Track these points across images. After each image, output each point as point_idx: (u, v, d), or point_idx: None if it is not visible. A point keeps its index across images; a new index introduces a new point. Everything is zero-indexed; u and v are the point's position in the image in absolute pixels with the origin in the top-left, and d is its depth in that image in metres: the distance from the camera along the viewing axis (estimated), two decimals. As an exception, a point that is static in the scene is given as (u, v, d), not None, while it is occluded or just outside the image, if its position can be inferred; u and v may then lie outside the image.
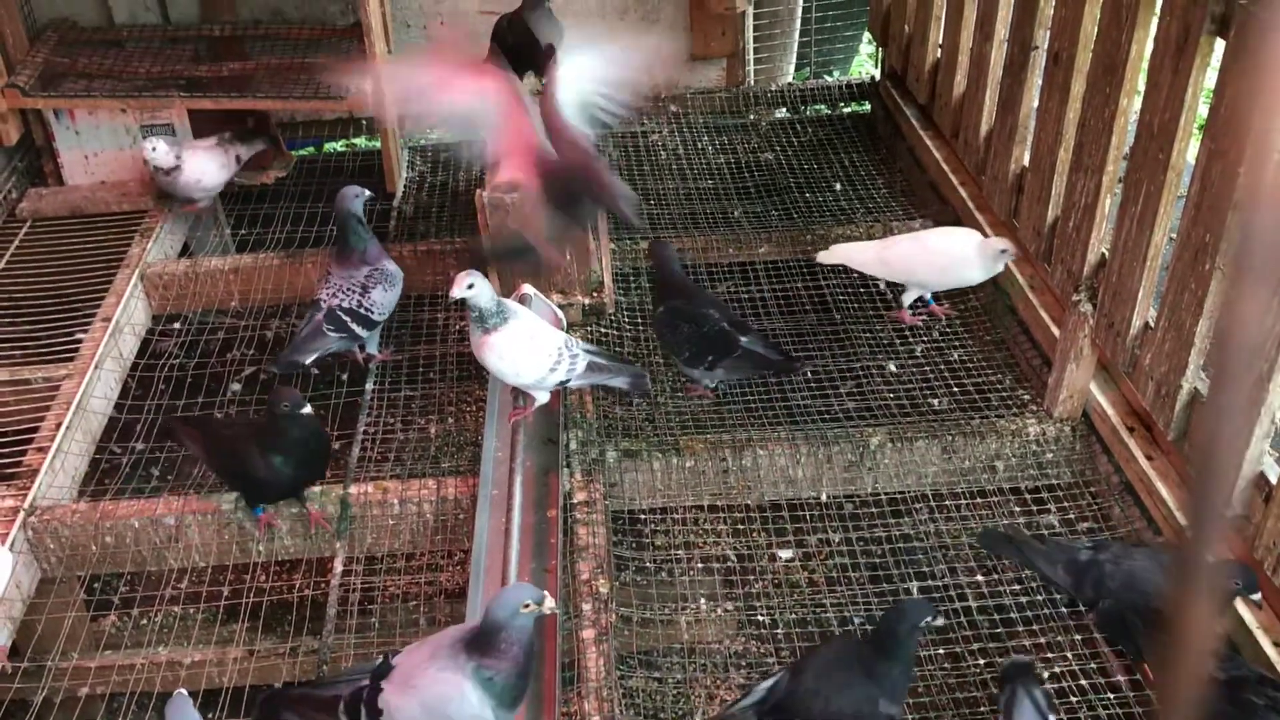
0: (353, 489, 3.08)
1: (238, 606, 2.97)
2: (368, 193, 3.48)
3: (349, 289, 3.42)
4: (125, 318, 3.79)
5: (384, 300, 3.48)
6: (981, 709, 2.60)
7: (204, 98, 4.29)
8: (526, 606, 2.15)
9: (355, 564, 3.01)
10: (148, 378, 3.70)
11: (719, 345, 3.26)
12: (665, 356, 3.69)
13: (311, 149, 5.48)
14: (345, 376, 3.72)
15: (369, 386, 3.57)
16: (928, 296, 3.79)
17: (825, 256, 3.81)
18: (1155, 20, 2.81)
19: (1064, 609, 2.82)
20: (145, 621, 3.10)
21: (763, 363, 3.29)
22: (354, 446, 3.32)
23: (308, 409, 2.85)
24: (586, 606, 2.70)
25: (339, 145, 5.63)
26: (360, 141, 5.61)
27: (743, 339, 3.26)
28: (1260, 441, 2.52)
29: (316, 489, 3.11)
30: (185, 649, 2.87)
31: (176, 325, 4.03)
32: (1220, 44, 2.58)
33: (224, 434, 2.97)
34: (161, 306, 4.06)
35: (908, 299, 3.75)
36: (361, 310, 3.41)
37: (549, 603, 2.19)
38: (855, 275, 3.98)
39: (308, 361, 3.38)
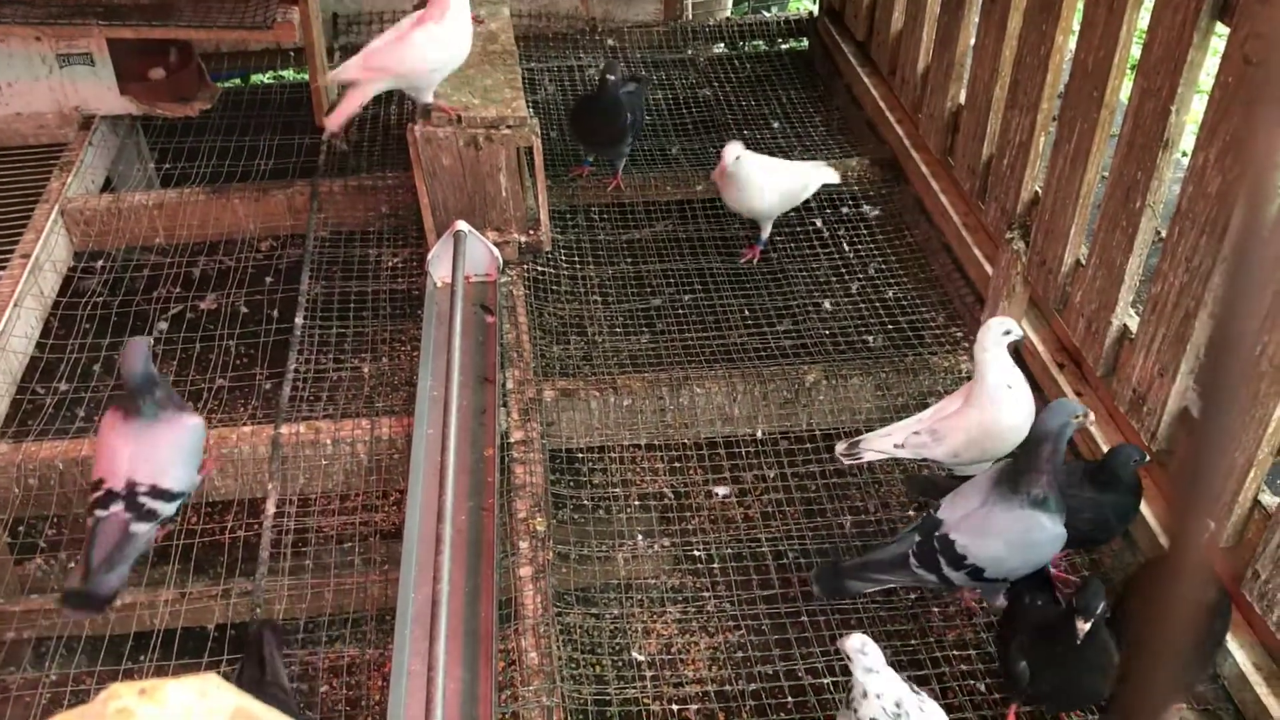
0: (284, 429, 3.04)
1: (168, 548, 2.92)
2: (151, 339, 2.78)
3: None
4: (45, 254, 3.67)
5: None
6: (912, 641, 2.65)
7: (124, 26, 4.12)
8: (1076, 418, 2.38)
9: (288, 505, 2.96)
10: (70, 316, 3.60)
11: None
12: (604, 298, 3.69)
13: (238, 80, 5.32)
14: (275, 314, 3.65)
15: (299, 321, 3.50)
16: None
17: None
18: (1092, -43, 2.81)
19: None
20: (72, 565, 3.04)
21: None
22: (284, 385, 3.26)
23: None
24: (524, 544, 2.70)
25: (266, 77, 5.48)
26: (288, 74, 5.46)
27: None
28: (1186, 377, 2.57)
29: (248, 429, 3.06)
30: (114, 592, 2.82)
31: (100, 262, 3.92)
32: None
33: None
34: (83, 243, 3.94)
35: (766, 232, 3.86)
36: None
37: (1092, 415, 2.47)
38: (793, 214, 3.98)
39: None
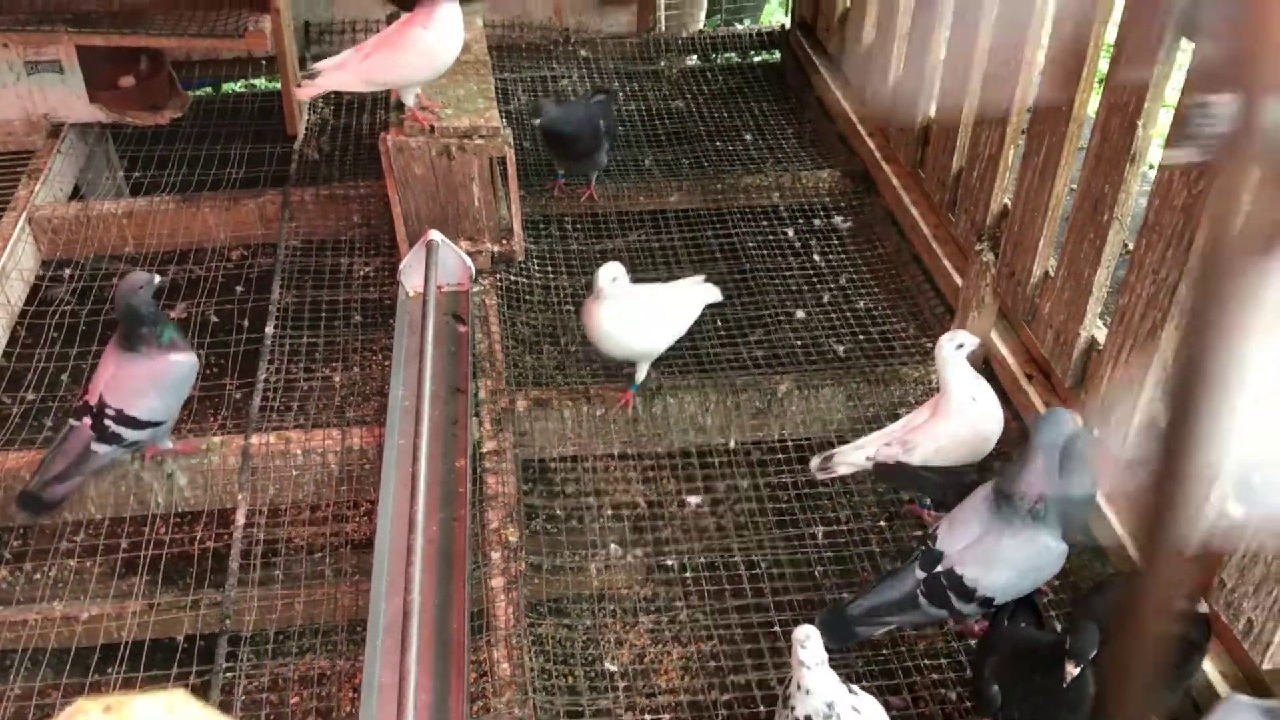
0: (254, 439, 3.02)
1: (136, 559, 2.89)
2: (156, 278, 2.82)
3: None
4: (12, 263, 3.64)
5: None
6: (884, 650, 2.65)
7: (94, 33, 4.10)
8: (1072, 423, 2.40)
9: (258, 515, 2.95)
10: (38, 325, 3.57)
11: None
12: (577, 308, 3.68)
13: (209, 89, 5.30)
14: (245, 323, 3.63)
15: (269, 331, 3.48)
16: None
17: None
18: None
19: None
20: (39, 576, 3.00)
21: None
22: (255, 395, 3.24)
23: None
24: (495, 555, 2.69)
25: (237, 86, 5.45)
26: (260, 82, 5.43)
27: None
28: (1154, 388, 2.59)
29: (218, 439, 3.04)
30: (81, 603, 2.79)
31: (68, 271, 3.89)
32: (1122, -3, 2.62)
33: None
34: (51, 251, 3.90)
35: (641, 374, 3.20)
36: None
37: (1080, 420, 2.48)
38: (765, 224, 4.00)
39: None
